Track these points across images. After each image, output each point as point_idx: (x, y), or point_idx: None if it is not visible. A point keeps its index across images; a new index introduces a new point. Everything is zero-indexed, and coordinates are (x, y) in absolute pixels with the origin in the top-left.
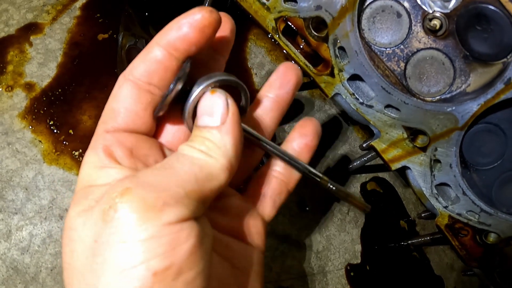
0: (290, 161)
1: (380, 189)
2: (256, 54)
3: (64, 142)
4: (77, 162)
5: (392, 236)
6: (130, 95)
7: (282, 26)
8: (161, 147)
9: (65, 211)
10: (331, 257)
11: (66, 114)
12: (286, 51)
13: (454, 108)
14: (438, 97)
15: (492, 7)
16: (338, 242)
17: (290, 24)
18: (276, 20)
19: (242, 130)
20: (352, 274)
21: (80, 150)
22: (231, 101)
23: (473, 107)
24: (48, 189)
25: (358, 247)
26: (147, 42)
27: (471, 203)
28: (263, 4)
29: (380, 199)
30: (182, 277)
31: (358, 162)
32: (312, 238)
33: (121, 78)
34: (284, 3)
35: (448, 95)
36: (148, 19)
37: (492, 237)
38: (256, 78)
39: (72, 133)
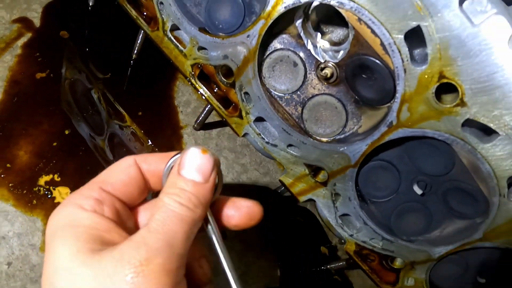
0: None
1: (302, 219)
2: (184, 93)
3: (2, 175)
4: (13, 193)
5: (312, 261)
6: (135, 178)
7: (197, 71)
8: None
9: (2, 238)
10: (249, 282)
11: (3, 149)
12: (201, 93)
13: (346, 148)
14: (332, 138)
15: (372, 59)
16: (256, 268)
17: (203, 70)
18: (192, 66)
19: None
20: None
21: (16, 182)
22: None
23: (362, 147)
24: None
25: (277, 272)
26: (87, 76)
27: (372, 232)
28: (181, 51)
29: (302, 227)
30: None
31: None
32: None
33: (131, 158)
34: (198, 51)
35: (342, 136)
36: (89, 54)
37: (398, 262)
38: (181, 115)
39: (9, 166)
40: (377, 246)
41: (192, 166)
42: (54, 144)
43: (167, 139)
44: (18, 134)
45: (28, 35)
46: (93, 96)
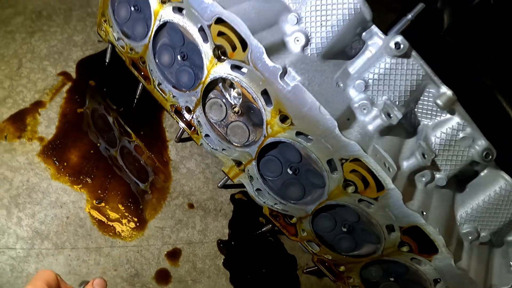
0: None
1: (244, 198)
2: (168, 119)
3: (62, 169)
4: (70, 180)
5: (252, 227)
6: None
7: (173, 109)
8: None
9: (64, 203)
10: (207, 234)
11: (62, 155)
12: (176, 121)
13: (249, 149)
14: (242, 144)
15: (252, 104)
16: (213, 226)
17: (177, 108)
18: (170, 105)
19: None
20: (221, 245)
21: (70, 173)
22: None
23: (255, 148)
24: (55, 192)
25: (227, 231)
26: (105, 108)
27: (274, 199)
28: (164, 97)
29: (247, 203)
30: None
31: (222, 181)
32: (196, 222)
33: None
34: (172, 98)
35: (246, 143)
36: (105, 93)
37: (293, 219)
38: (167, 133)
39: (66, 164)
40: (279, 208)
41: None
42: (91, 151)
43: (159, 148)
44: (70, 146)
45: (69, 83)
46: (110, 121)
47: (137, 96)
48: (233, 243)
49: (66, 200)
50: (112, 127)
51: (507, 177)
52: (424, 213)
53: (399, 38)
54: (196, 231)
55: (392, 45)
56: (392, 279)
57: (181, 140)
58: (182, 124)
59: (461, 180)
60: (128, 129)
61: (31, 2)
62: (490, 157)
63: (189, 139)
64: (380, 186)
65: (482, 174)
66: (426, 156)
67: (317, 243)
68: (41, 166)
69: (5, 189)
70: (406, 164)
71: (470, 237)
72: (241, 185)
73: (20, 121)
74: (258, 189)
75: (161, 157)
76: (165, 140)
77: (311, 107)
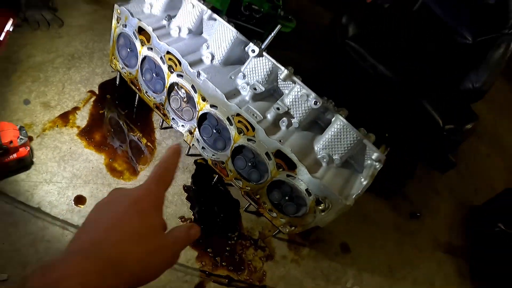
0: None
1: (204, 162)
2: (155, 115)
3: (90, 143)
4: (94, 149)
5: (208, 181)
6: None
7: (155, 106)
8: None
9: (99, 171)
10: (177, 180)
11: (90, 135)
12: (157, 113)
13: (193, 122)
14: (189, 119)
15: (191, 95)
16: (181, 177)
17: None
18: (153, 104)
19: None
20: (185, 187)
21: (95, 145)
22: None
23: (195, 120)
24: (85, 154)
25: (190, 180)
26: (116, 111)
27: (211, 151)
28: (149, 99)
29: (205, 166)
30: None
31: (188, 149)
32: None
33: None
34: (153, 99)
35: (192, 118)
36: (116, 102)
37: (222, 163)
38: (155, 124)
39: (92, 140)
40: (214, 157)
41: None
42: (108, 133)
43: (148, 133)
44: (95, 131)
45: (94, 97)
46: (120, 122)
47: (135, 103)
48: (193, 187)
49: (92, 159)
50: (119, 121)
51: (341, 117)
52: (281, 141)
53: (253, 47)
54: None
55: (250, 51)
56: (287, 197)
57: (162, 128)
58: (160, 114)
59: (323, 127)
60: (129, 123)
61: (66, 49)
62: (318, 103)
63: (167, 128)
64: (253, 128)
65: (332, 119)
66: (279, 108)
67: (239, 179)
68: (78, 141)
69: (57, 152)
70: (269, 115)
71: (325, 160)
72: (200, 155)
73: (65, 117)
74: (202, 147)
75: (150, 137)
76: (153, 128)
77: (213, 90)
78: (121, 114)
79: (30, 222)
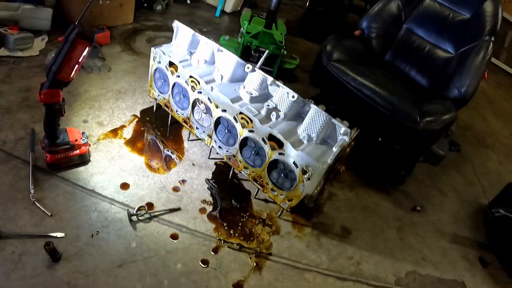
0: None
1: (222, 163)
2: (186, 133)
3: (133, 148)
4: (137, 153)
5: (225, 176)
6: None
7: (183, 120)
8: None
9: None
10: (200, 175)
11: (134, 144)
12: (185, 127)
13: (211, 126)
14: (209, 126)
15: (208, 106)
16: (204, 173)
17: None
18: (182, 119)
19: None
20: (207, 179)
21: (138, 151)
22: None
23: (212, 126)
24: (131, 157)
25: (211, 175)
26: (153, 129)
27: (225, 148)
28: (178, 115)
29: (223, 166)
30: None
31: (209, 153)
32: (195, 170)
33: None
34: (182, 115)
35: (210, 125)
36: (154, 123)
37: (234, 157)
38: (184, 137)
39: (136, 147)
40: (228, 152)
41: None
42: (148, 144)
43: (179, 143)
44: (138, 141)
45: (136, 119)
46: (157, 141)
47: (169, 122)
48: (214, 180)
49: (135, 159)
50: (156, 136)
51: (313, 105)
52: (271, 127)
53: (248, 65)
54: (194, 174)
55: (246, 68)
56: (282, 175)
57: (189, 140)
58: (187, 126)
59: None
60: (164, 137)
61: (115, 86)
62: (295, 97)
63: (193, 140)
64: (251, 121)
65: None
66: (269, 105)
67: (247, 167)
68: (124, 147)
69: (108, 154)
70: (262, 111)
71: (305, 138)
72: (220, 158)
73: (115, 132)
74: (219, 146)
75: (180, 146)
76: (182, 140)
77: (222, 98)
78: (158, 131)
79: (86, 199)
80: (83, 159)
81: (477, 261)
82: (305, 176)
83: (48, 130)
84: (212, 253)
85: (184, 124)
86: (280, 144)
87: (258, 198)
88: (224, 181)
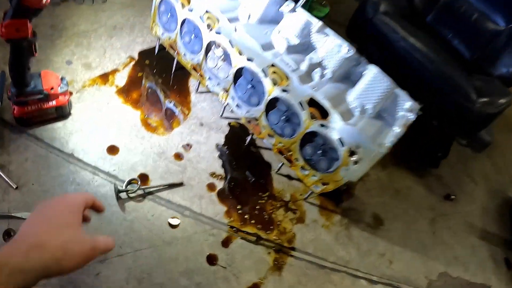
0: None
1: (237, 125)
2: (192, 81)
3: (127, 99)
4: (131, 105)
5: (241, 142)
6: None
7: (192, 67)
8: None
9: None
10: (210, 139)
11: (128, 93)
12: (194, 76)
13: (229, 78)
14: (225, 77)
15: (227, 51)
16: (214, 136)
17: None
18: (190, 66)
19: None
20: (218, 146)
21: (133, 102)
22: None
23: (231, 77)
24: (123, 109)
25: (223, 140)
26: (153, 74)
27: (245, 108)
28: (186, 61)
29: (238, 128)
30: None
31: (222, 111)
32: (203, 132)
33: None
34: (191, 61)
35: (227, 76)
36: (155, 67)
37: (256, 120)
38: (191, 88)
39: (130, 98)
40: (249, 114)
41: None
42: (145, 93)
43: (185, 95)
44: (132, 90)
45: (133, 61)
46: (157, 90)
47: (173, 68)
48: (226, 146)
49: (128, 114)
50: (157, 84)
51: (373, 66)
52: (315, 88)
53: (288, 3)
54: (203, 137)
55: (284, 6)
56: (319, 151)
57: (198, 92)
58: (196, 75)
59: (354, 82)
60: (166, 87)
61: (109, 21)
62: (350, 51)
63: (203, 92)
64: (287, 78)
65: (363, 73)
66: (313, 59)
67: (272, 135)
68: (116, 97)
69: (94, 106)
70: (303, 66)
71: (358, 109)
72: (235, 118)
73: (105, 77)
74: (237, 105)
75: (185, 100)
76: (189, 91)
77: (249, 42)
78: (159, 78)
79: (62, 166)
80: (61, 112)
81: (503, 262)
82: (352, 158)
83: (15, 75)
84: (222, 246)
85: (192, 72)
86: (324, 113)
87: (281, 173)
88: (238, 148)
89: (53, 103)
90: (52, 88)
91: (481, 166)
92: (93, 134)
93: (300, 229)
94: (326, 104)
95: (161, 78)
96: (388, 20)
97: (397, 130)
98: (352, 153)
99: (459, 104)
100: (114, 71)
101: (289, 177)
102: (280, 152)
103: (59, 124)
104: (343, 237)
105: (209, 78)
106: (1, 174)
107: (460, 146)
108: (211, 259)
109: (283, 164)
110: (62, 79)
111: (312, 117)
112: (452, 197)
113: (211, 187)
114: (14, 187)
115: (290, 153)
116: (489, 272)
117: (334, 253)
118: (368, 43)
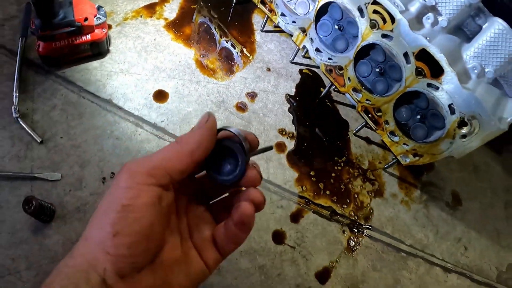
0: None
1: (310, 73)
2: (256, 18)
3: (178, 36)
4: (183, 43)
5: (315, 95)
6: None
7: (260, 0)
8: None
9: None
10: (279, 88)
11: (179, 28)
12: (264, 11)
13: (309, 15)
14: (304, 14)
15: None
16: (283, 85)
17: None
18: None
19: (213, 136)
20: (288, 97)
21: (185, 39)
22: (211, 119)
23: (312, 14)
24: (173, 47)
25: (294, 90)
26: (210, 19)
27: (327, 54)
28: None
29: (311, 77)
30: (133, 214)
31: (293, 55)
32: (270, 79)
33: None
34: None
35: (307, 13)
36: (211, 5)
37: (340, 69)
38: (255, 26)
39: (182, 33)
40: (331, 61)
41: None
42: (200, 28)
43: (248, 34)
44: (185, 24)
45: None
46: (212, 26)
47: (233, 2)
48: (298, 98)
49: (180, 52)
50: (213, 19)
51: (500, 21)
52: (428, 38)
53: None
54: (270, 85)
55: None
56: (418, 116)
57: (264, 30)
58: (265, 10)
59: (469, 36)
60: (226, 31)
61: None
62: None
63: (270, 31)
64: (393, 20)
65: (483, 26)
66: (426, 1)
67: (360, 90)
68: (165, 33)
69: (138, 42)
70: (413, 8)
71: (476, 71)
72: (308, 64)
73: (151, 8)
74: (316, 49)
75: (249, 39)
76: (253, 29)
77: None
78: (216, 12)
79: (98, 115)
80: (98, 50)
81: None
82: (463, 130)
83: (39, 2)
84: (291, 221)
85: (261, 6)
86: (436, 71)
87: (359, 135)
88: (311, 101)
89: (87, 37)
90: (86, 19)
91: None
92: (137, 76)
93: (379, 204)
94: (442, 59)
95: (218, 11)
96: None
97: None
98: (462, 123)
99: None
100: (163, 1)
101: (368, 140)
102: (366, 111)
103: (94, 64)
104: (422, 217)
105: (282, 14)
106: (24, 124)
107: None
108: (278, 237)
109: (365, 124)
110: (99, 8)
111: (419, 73)
112: None
113: (280, 147)
114: (39, 141)
115: (379, 113)
116: None
117: (412, 235)
118: None
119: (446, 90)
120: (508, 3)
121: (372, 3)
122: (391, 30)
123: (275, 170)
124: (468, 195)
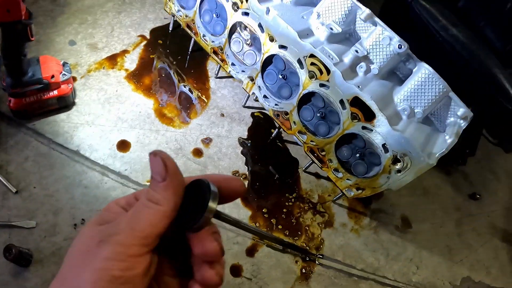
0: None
1: (262, 116)
2: (210, 64)
3: (138, 86)
4: (143, 93)
5: (267, 137)
6: None
7: (212, 50)
8: None
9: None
10: (232, 132)
11: (139, 79)
12: (216, 60)
13: (256, 66)
14: (252, 64)
15: (256, 35)
16: (236, 129)
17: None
18: (210, 48)
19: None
20: (241, 140)
21: (144, 90)
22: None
23: (258, 64)
24: (133, 98)
25: (246, 133)
26: (167, 56)
27: (274, 100)
28: (206, 43)
29: (262, 120)
30: (124, 286)
31: (245, 100)
32: (224, 124)
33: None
34: (211, 43)
35: (254, 63)
36: (168, 47)
37: (286, 114)
38: (209, 73)
39: (141, 84)
40: (277, 107)
41: (152, 169)
42: (158, 79)
43: (203, 81)
44: (144, 75)
45: (144, 41)
46: (171, 72)
47: (189, 49)
48: (249, 141)
49: (140, 103)
50: (171, 67)
51: (426, 66)
52: (360, 86)
53: None
54: (224, 130)
55: None
56: (358, 154)
57: (218, 77)
58: (217, 60)
59: (402, 79)
60: (182, 70)
61: None
62: (403, 47)
63: (224, 77)
64: (328, 71)
65: (414, 70)
66: (358, 51)
67: (304, 132)
68: (126, 84)
69: (102, 94)
70: (346, 59)
71: (406, 112)
72: (260, 108)
73: (113, 59)
74: (264, 96)
75: (204, 86)
76: (207, 76)
77: (284, 28)
78: (173, 61)
79: (67, 165)
80: (64, 103)
81: None
82: (396, 166)
83: (9, 64)
84: (247, 255)
85: (213, 56)
86: (368, 115)
87: (309, 171)
88: (263, 143)
89: (54, 93)
90: (52, 76)
91: (504, 162)
92: (101, 127)
93: (329, 234)
94: (373, 105)
95: (175, 59)
96: (428, 6)
97: (449, 139)
98: (396, 160)
99: (497, 103)
100: (123, 53)
101: (317, 175)
102: (311, 151)
103: (62, 116)
104: (372, 242)
105: (233, 64)
106: None
107: (484, 142)
108: (236, 270)
109: (312, 162)
110: (64, 64)
111: (354, 118)
112: (478, 196)
113: None
114: (14, 191)
115: (323, 153)
116: (509, 276)
117: (363, 260)
118: (405, 29)
119: (379, 132)
120: (419, 12)
121: (310, 56)
122: (327, 80)
123: (230, 210)
124: (418, 218)
